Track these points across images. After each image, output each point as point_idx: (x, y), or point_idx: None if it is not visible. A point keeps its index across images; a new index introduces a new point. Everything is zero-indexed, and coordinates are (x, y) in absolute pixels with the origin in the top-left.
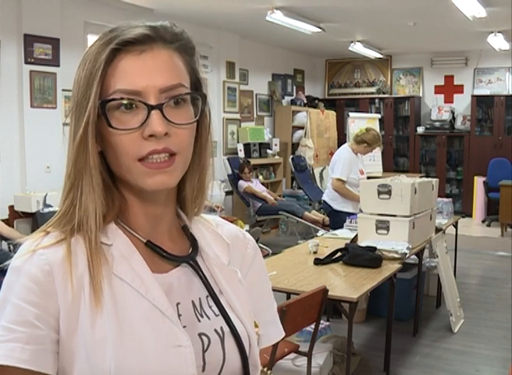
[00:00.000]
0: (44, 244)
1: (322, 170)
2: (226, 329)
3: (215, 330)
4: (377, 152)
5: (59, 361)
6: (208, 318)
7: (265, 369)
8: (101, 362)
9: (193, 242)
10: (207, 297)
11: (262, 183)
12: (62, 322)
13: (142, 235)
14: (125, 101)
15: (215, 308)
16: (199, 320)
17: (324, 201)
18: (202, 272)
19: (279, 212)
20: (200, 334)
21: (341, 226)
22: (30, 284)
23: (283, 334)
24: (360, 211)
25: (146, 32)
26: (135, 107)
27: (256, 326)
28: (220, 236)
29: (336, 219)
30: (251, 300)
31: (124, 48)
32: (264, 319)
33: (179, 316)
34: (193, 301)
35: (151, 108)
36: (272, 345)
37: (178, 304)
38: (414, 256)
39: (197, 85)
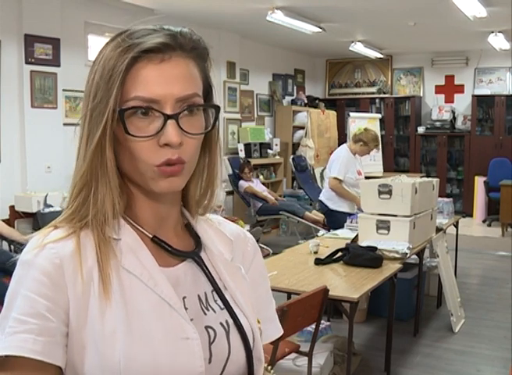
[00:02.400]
0: (54, 238)
1: (323, 170)
2: (231, 322)
3: (221, 323)
4: (377, 152)
5: (68, 354)
6: (214, 311)
7: (266, 365)
8: (110, 355)
9: (197, 239)
10: (212, 291)
11: (263, 183)
12: (72, 315)
13: (148, 231)
14: (143, 110)
15: (219, 302)
16: (205, 314)
17: (320, 200)
18: (206, 267)
19: (280, 212)
20: (206, 327)
21: (337, 226)
22: (41, 277)
23: (281, 332)
24: (360, 211)
25: (165, 41)
26: (151, 114)
27: (258, 321)
28: (223, 233)
29: (332, 219)
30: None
31: (144, 56)
32: (263, 317)
33: (186, 309)
34: (198, 295)
35: (167, 117)
36: (270, 343)
37: (184, 297)
38: (414, 256)
39: (208, 91)
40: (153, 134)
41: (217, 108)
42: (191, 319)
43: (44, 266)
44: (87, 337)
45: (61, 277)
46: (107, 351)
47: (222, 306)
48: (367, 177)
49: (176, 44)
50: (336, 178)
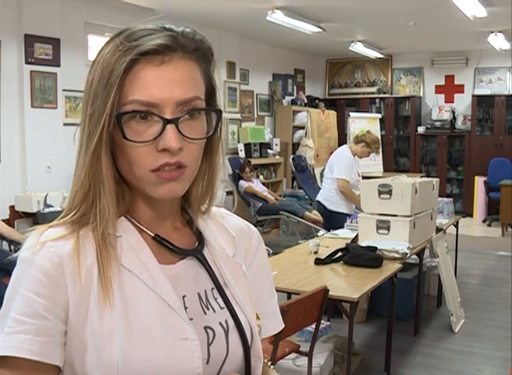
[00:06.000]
0: (53, 236)
1: (323, 170)
2: (231, 322)
3: (220, 323)
4: (377, 156)
5: (67, 352)
6: (214, 311)
7: (266, 361)
8: (108, 353)
9: (199, 236)
10: (212, 289)
11: (263, 183)
12: (72, 313)
13: (150, 229)
14: (142, 114)
15: (219, 300)
16: (205, 313)
17: (318, 201)
18: (208, 264)
19: (280, 212)
20: (205, 327)
21: (335, 227)
22: (39, 276)
23: (283, 326)
24: (360, 211)
25: (166, 42)
26: (151, 118)
27: (257, 317)
28: (226, 228)
29: (331, 221)
30: (253, 291)
31: (143, 58)
32: (265, 310)
33: (186, 308)
34: (199, 294)
35: (166, 122)
36: (270, 341)
37: (184, 296)
38: (414, 256)
39: (211, 93)
40: (151, 139)
41: (219, 113)
42: (191, 319)
43: (43, 265)
44: (86, 335)
45: (60, 276)
46: (105, 349)
47: (222, 305)
48: (367, 177)
49: (176, 45)
50: (344, 180)
